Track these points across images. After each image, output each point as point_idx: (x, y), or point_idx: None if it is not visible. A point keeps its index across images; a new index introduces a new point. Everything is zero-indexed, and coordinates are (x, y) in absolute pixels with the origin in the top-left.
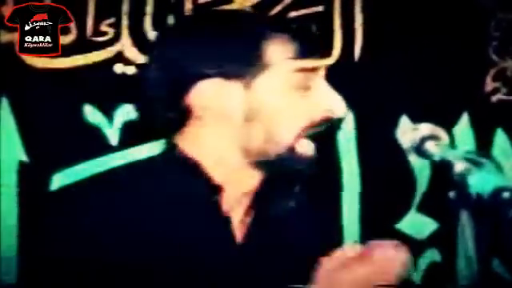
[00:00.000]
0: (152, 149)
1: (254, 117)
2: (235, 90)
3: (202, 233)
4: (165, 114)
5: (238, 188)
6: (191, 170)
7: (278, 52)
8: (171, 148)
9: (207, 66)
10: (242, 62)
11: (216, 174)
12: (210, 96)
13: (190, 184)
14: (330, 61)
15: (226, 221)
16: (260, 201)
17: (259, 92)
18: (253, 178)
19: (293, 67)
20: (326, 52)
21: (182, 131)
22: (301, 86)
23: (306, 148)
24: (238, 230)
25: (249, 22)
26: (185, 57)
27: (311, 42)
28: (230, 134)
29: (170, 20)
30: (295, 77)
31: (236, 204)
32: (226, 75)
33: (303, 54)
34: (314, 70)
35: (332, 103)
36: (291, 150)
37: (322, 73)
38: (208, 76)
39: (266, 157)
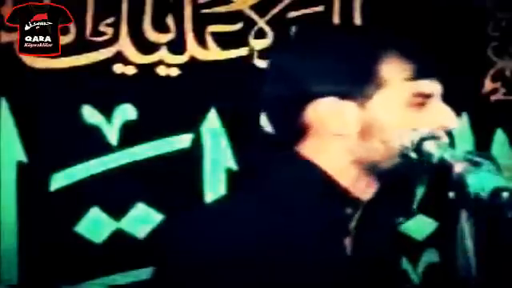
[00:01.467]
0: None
1: (369, 134)
2: (350, 109)
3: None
4: (282, 127)
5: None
6: (321, 182)
7: (394, 71)
8: (294, 157)
9: (324, 85)
10: (357, 80)
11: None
12: (326, 115)
13: (316, 194)
14: None
15: (348, 232)
16: (372, 212)
17: (374, 111)
18: (367, 191)
19: (411, 90)
20: None
21: (303, 143)
22: (416, 104)
23: (422, 157)
24: (348, 242)
25: (365, 39)
26: (301, 75)
27: (427, 63)
28: (347, 147)
29: (170, 20)
30: (411, 98)
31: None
32: (341, 94)
33: (419, 74)
34: (430, 95)
35: (447, 120)
36: (407, 159)
37: (438, 93)
38: (324, 95)
39: (381, 167)
